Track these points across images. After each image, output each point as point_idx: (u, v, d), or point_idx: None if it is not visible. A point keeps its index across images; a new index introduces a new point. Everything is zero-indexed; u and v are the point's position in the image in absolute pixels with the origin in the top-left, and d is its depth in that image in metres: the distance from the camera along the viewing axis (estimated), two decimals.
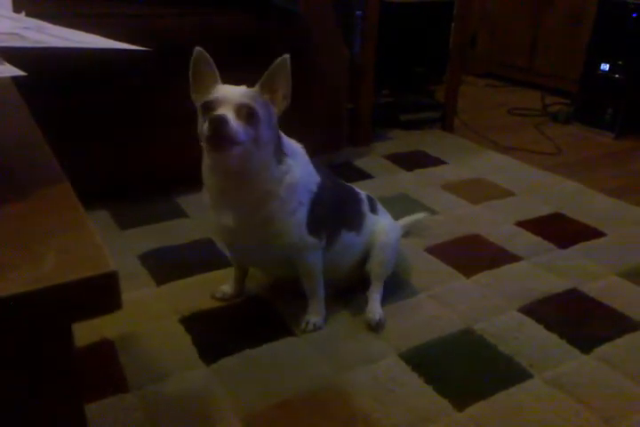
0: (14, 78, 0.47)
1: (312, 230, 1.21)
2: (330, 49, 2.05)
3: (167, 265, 1.55)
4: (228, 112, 1.02)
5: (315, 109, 1.99)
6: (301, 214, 1.19)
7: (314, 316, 1.33)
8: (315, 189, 1.21)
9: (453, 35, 2.72)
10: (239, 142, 1.03)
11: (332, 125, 2.18)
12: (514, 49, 3.41)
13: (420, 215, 1.73)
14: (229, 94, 1.05)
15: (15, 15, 0.60)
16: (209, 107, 1.04)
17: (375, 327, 1.32)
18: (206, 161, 1.15)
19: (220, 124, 1.00)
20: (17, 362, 0.39)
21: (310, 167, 1.22)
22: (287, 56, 1.07)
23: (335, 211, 1.29)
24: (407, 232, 1.68)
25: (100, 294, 0.37)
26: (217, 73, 1.09)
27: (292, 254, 1.25)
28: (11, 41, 0.47)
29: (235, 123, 1.01)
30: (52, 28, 0.53)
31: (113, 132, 1.77)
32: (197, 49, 1.08)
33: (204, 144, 1.07)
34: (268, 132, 1.09)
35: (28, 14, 0.60)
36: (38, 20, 0.55)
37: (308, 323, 1.31)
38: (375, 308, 1.35)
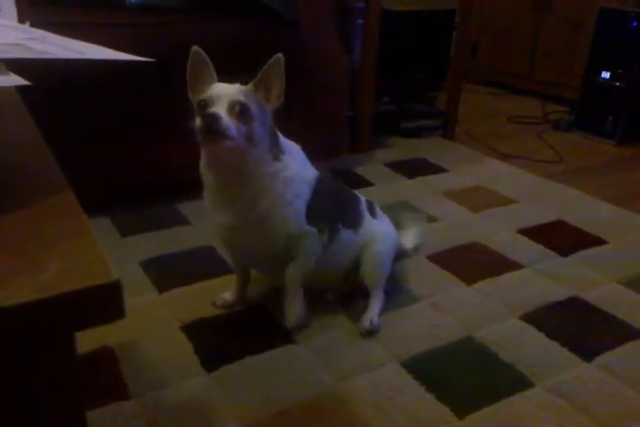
0: (18, 86, 0.47)
1: (311, 221, 1.22)
2: (330, 56, 2.06)
3: (169, 272, 1.55)
4: (221, 109, 1.05)
5: (315, 116, 2.00)
6: (299, 205, 1.20)
7: (294, 309, 1.32)
8: (313, 182, 1.23)
9: (455, 43, 2.73)
10: (230, 137, 1.05)
11: (333, 132, 2.19)
12: (514, 57, 3.42)
13: (421, 224, 1.72)
14: (223, 92, 1.08)
15: (20, 26, 0.61)
16: (204, 105, 1.07)
17: (365, 334, 1.32)
18: (203, 158, 1.17)
19: (211, 121, 1.04)
20: (19, 370, 0.39)
21: (307, 163, 1.24)
22: (281, 55, 1.09)
23: (334, 205, 1.30)
24: (419, 246, 1.67)
25: (103, 302, 0.37)
26: (214, 72, 1.12)
27: (291, 245, 1.24)
28: (15, 52, 0.47)
29: (227, 119, 1.04)
30: (56, 38, 0.54)
31: (114, 138, 1.78)
32: (194, 48, 1.11)
33: (198, 138, 1.10)
34: (262, 129, 1.11)
35: (32, 24, 0.60)
36: (43, 30, 0.56)
37: (289, 319, 1.31)
38: (368, 315, 1.35)
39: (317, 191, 1.22)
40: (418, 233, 1.68)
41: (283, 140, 1.19)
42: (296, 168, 1.19)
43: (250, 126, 1.08)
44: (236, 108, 1.06)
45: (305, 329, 1.34)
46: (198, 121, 1.05)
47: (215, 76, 1.12)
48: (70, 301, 0.36)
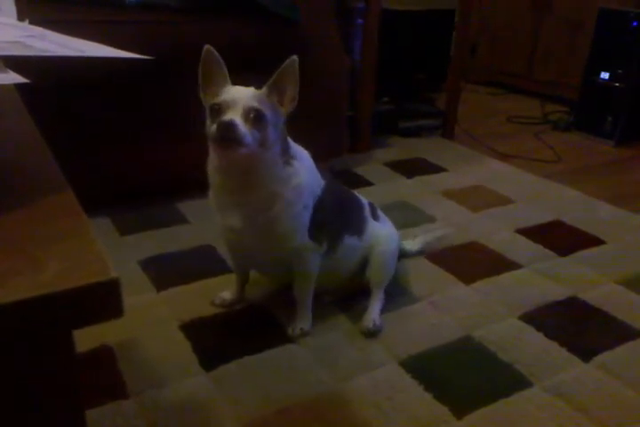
0: (16, 84, 0.47)
1: (314, 235, 1.22)
2: (330, 56, 2.06)
3: (167, 271, 1.55)
4: (236, 116, 1.03)
5: (315, 116, 2.00)
6: (305, 218, 1.19)
7: (301, 321, 1.33)
8: (319, 192, 1.22)
9: (454, 43, 2.73)
10: (245, 144, 1.04)
11: (333, 132, 2.19)
12: (514, 57, 3.43)
13: (439, 232, 1.72)
14: (238, 97, 1.05)
15: (19, 23, 0.61)
16: (218, 109, 1.05)
17: (368, 335, 1.32)
18: (212, 160, 1.15)
19: (228, 129, 1.02)
20: (17, 369, 0.39)
21: (315, 171, 1.23)
22: (295, 57, 1.06)
23: (338, 215, 1.29)
24: (425, 250, 1.67)
25: (102, 300, 0.37)
26: (227, 73, 1.09)
27: (292, 257, 1.26)
28: (14, 49, 0.47)
29: (242, 127, 1.02)
30: (55, 36, 0.54)
31: (113, 137, 1.78)
32: (207, 47, 1.08)
33: (211, 143, 1.09)
34: (275, 133, 1.10)
35: (31, 22, 0.60)
36: (42, 27, 0.56)
37: (294, 329, 1.32)
38: (370, 315, 1.35)
39: (323, 202, 1.21)
40: (426, 241, 1.67)
41: (293, 145, 1.18)
42: (306, 175, 1.18)
43: (264, 132, 1.06)
44: (251, 115, 1.04)
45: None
46: (213, 128, 1.03)
47: (228, 77, 1.08)
48: (69, 299, 0.36)
